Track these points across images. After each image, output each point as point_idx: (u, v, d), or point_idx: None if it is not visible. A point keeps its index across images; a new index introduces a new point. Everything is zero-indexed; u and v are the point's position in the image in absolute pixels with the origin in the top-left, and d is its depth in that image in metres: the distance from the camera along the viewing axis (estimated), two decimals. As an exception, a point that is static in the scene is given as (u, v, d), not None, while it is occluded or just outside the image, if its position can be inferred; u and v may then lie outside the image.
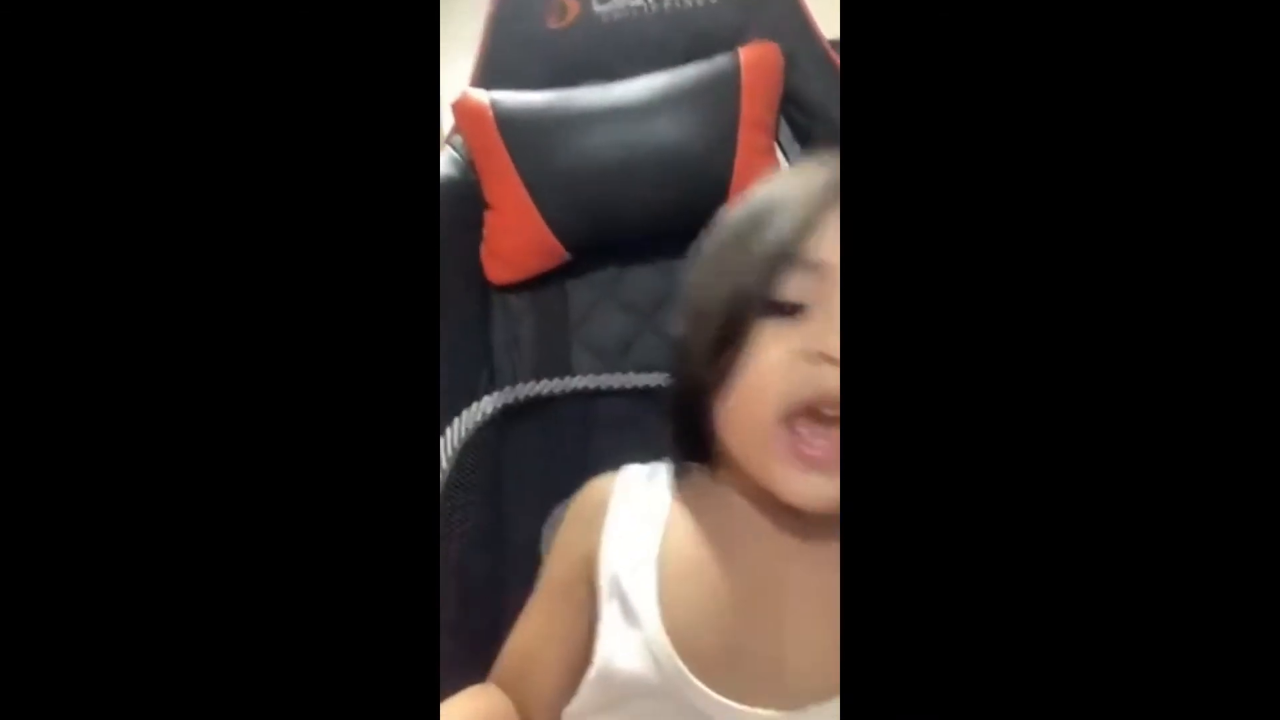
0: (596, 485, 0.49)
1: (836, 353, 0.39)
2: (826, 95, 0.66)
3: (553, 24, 0.70)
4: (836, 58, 0.67)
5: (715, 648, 0.41)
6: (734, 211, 0.47)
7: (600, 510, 0.47)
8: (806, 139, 0.67)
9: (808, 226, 0.41)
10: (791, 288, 0.41)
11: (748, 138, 0.62)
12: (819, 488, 0.40)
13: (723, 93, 0.63)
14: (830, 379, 0.39)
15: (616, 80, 0.65)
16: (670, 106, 0.63)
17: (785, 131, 0.67)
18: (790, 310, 0.41)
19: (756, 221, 0.43)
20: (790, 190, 0.44)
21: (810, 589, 0.43)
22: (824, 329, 0.40)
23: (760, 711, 0.40)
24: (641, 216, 0.63)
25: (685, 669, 0.41)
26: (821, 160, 0.46)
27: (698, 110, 0.62)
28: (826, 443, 0.40)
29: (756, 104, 0.63)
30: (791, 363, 0.40)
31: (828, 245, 0.41)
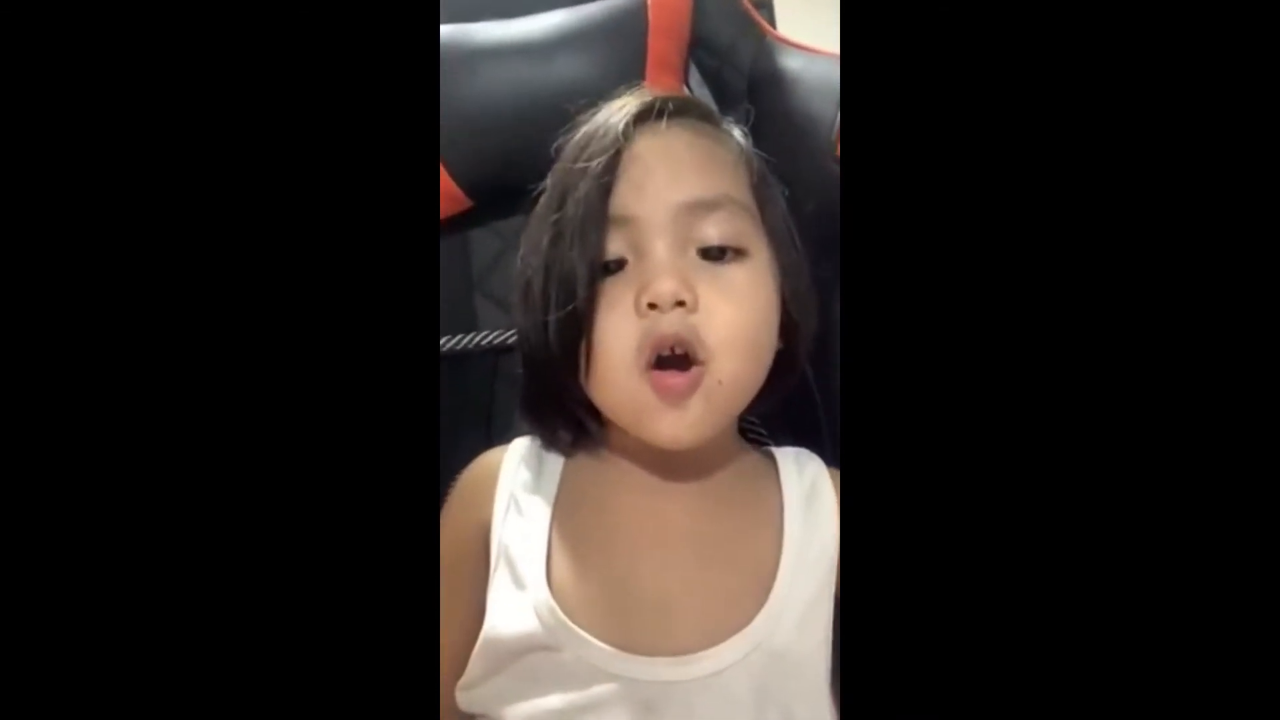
0: (486, 459, 0.49)
1: (660, 297, 0.40)
2: (735, 37, 0.64)
3: (450, -42, 0.66)
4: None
5: (601, 600, 0.42)
6: (551, 174, 0.47)
7: (490, 483, 0.47)
8: (716, 82, 0.66)
9: (610, 183, 0.42)
10: (610, 246, 0.42)
11: (655, 79, 0.60)
12: (684, 419, 0.42)
13: (629, 32, 0.60)
14: (662, 324, 0.41)
15: (516, 17, 0.62)
16: (573, 45, 0.60)
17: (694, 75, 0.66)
18: (614, 267, 0.43)
19: (568, 185, 0.44)
20: (593, 143, 0.44)
21: (687, 532, 0.45)
22: (644, 279, 0.41)
23: (647, 659, 0.40)
24: (545, 160, 0.60)
25: (570, 623, 0.41)
26: (627, 97, 0.47)
27: (603, 49, 0.60)
28: (683, 376, 0.41)
29: (664, 44, 0.61)
30: (625, 319, 0.42)
31: (630, 197, 0.42)
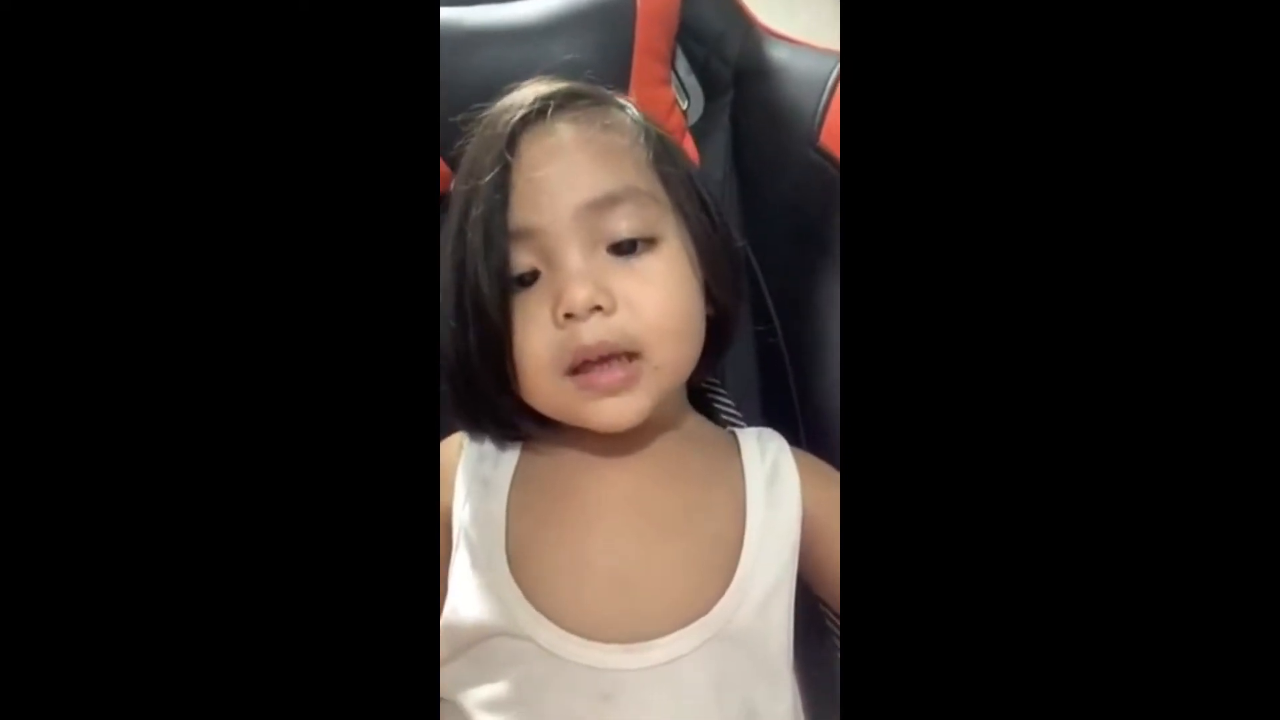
0: (446, 445, 0.49)
1: (575, 306, 0.40)
2: (724, 27, 0.65)
3: (446, -59, 0.67)
4: (734, -10, 0.66)
5: (561, 583, 0.41)
6: (452, 189, 0.45)
7: (450, 468, 0.46)
8: (704, 71, 0.67)
9: (505, 198, 0.41)
10: (519, 260, 0.41)
11: (643, 66, 0.61)
12: (620, 407, 0.41)
13: (618, 18, 0.61)
14: (581, 334, 0.40)
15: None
16: (564, 29, 0.61)
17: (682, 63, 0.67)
18: (529, 280, 0.42)
19: (467, 204, 0.43)
20: (483, 157, 0.43)
21: (644, 505, 0.44)
22: (557, 289, 0.40)
23: (604, 645, 0.40)
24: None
25: (532, 607, 0.40)
26: (512, 97, 0.46)
27: (592, 34, 0.61)
28: (611, 371, 0.41)
29: (652, 32, 0.62)
30: (543, 332, 0.41)
31: (529, 209, 0.41)
